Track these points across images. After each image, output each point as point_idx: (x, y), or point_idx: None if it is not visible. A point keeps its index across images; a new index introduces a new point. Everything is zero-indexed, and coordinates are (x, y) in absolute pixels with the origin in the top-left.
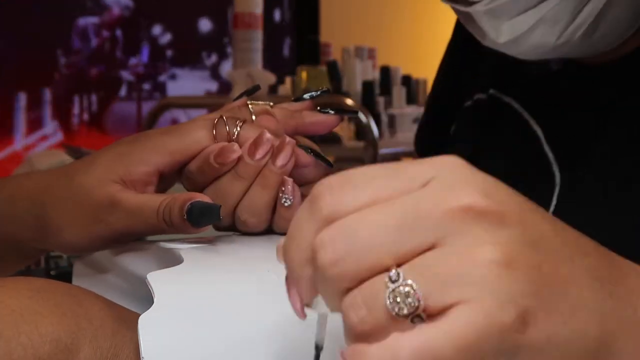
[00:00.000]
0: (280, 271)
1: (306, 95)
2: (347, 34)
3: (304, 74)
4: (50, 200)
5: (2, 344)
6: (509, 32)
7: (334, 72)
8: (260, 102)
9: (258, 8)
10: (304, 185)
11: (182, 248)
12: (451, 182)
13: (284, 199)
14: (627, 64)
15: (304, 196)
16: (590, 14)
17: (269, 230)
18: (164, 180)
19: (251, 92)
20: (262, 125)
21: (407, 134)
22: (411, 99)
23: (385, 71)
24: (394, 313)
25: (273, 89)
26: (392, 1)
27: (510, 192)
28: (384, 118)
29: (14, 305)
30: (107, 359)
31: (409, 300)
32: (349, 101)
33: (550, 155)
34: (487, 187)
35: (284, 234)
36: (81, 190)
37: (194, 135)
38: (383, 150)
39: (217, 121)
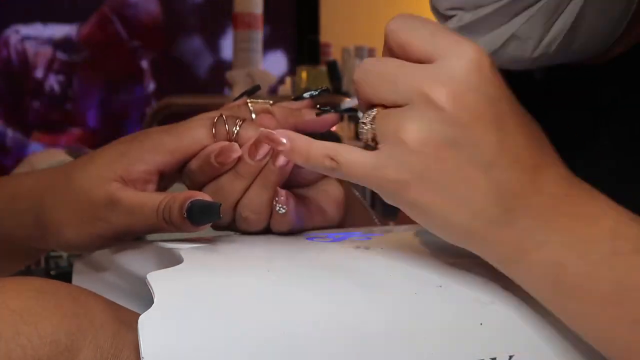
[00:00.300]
0: (279, 271)
1: (306, 94)
2: (347, 34)
3: (304, 74)
4: (50, 199)
5: (1, 345)
6: (484, 47)
7: (334, 72)
8: (259, 101)
9: (258, 8)
10: (304, 185)
11: (182, 248)
12: (444, 71)
13: (277, 207)
14: (624, 62)
15: (300, 201)
16: (563, 28)
17: (269, 230)
18: (164, 179)
19: (251, 92)
20: (262, 124)
21: None
22: None
23: None
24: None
25: (273, 89)
26: (392, 1)
27: (483, 105)
28: None
29: (13, 306)
30: None
31: (363, 132)
32: (349, 101)
33: None
34: (462, 90)
35: (282, 234)
36: (80, 189)
37: (193, 134)
38: None
39: (216, 120)
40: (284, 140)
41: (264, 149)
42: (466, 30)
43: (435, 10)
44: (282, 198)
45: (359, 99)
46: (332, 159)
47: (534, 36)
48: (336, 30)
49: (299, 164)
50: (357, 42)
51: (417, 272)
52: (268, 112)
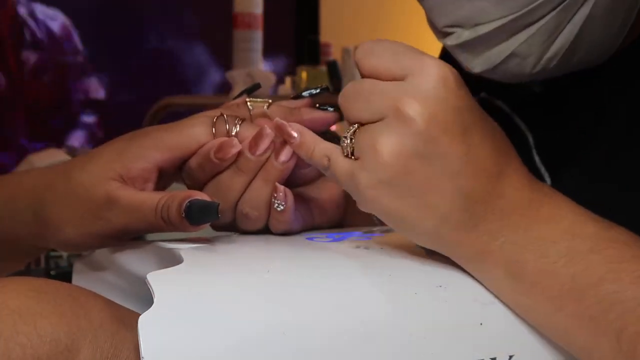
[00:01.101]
0: (279, 271)
1: (305, 93)
2: (347, 34)
3: (304, 74)
4: (50, 197)
5: (1, 344)
6: (483, 65)
7: (334, 72)
8: (259, 99)
9: (258, 8)
10: (304, 184)
11: (182, 248)
12: (412, 86)
13: (276, 204)
14: (620, 62)
15: (299, 200)
16: (563, 46)
17: (268, 230)
18: (164, 177)
19: (251, 91)
20: (261, 125)
21: None
22: None
23: None
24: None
25: (273, 89)
26: (392, 1)
27: (451, 118)
28: None
29: (13, 306)
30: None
31: (344, 146)
32: None
33: (537, 159)
34: (430, 103)
35: (280, 234)
36: (79, 188)
37: (193, 132)
38: None
39: (217, 119)
40: (295, 134)
41: (264, 143)
42: (464, 48)
43: (433, 26)
44: (280, 194)
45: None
46: (328, 158)
47: (533, 54)
48: (336, 30)
49: (303, 157)
50: (357, 42)
51: (417, 272)
52: (265, 115)
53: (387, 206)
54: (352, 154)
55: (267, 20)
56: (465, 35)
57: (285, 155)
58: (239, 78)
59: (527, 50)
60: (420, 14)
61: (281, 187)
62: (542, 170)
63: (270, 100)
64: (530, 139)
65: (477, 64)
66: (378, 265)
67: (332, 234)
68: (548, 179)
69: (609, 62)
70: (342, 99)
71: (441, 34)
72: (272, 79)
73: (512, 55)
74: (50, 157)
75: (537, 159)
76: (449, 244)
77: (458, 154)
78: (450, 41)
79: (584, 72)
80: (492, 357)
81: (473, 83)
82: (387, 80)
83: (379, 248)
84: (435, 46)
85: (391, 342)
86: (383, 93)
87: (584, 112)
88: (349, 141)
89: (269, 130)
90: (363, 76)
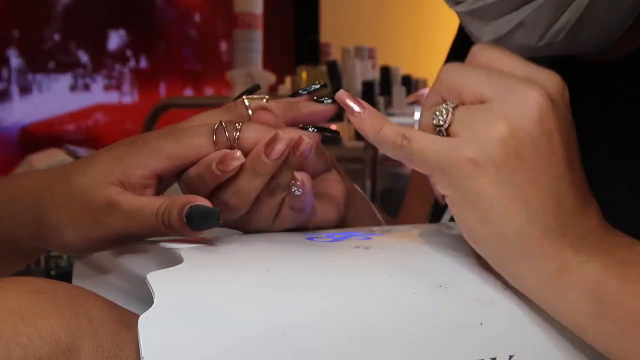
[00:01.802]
0: (279, 271)
1: (302, 91)
2: (347, 34)
3: (304, 74)
4: (49, 200)
5: (1, 345)
6: (491, 34)
7: (334, 72)
8: (255, 97)
9: (258, 8)
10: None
11: (182, 248)
12: (540, 79)
13: (294, 189)
14: (629, 61)
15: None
16: (570, 19)
17: (269, 230)
18: (163, 183)
19: (251, 92)
20: (261, 120)
21: None
22: None
23: (385, 71)
24: (433, 121)
25: (273, 89)
26: (392, 1)
27: (562, 122)
28: None
29: (13, 306)
30: None
31: (441, 118)
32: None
33: None
34: (553, 100)
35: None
36: (79, 192)
37: (194, 141)
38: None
39: (217, 127)
40: (357, 108)
41: (280, 146)
42: (475, 14)
43: None
44: (298, 182)
45: (432, 92)
46: (404, 136)
47: (541, 25)
48: (336, 30)
49: (368, 136)
50: (357, 42)
51: (417, 272)
52: (265, 108)
53: (483, 189)
54: (448, 128)
55: (267, 20)
56: (476, 2)
57: (275, 154)
58: (239, 78)
59: (536, 21)
60: (419, 14)
61: (301, 174)
62: None
63: (267, 96)
64: None
65: (485, 32)
66: (378, 265)
67: (332, 234)
68: None
69: (618, 60)
70: (448, 73)
71: (453, 2)
72: (272, 78)
73: (520, 24)
74: (50, 158)
75: None
76: (530, 252)
77: (564, 159)
78: (461, 8)
79: (592, 68)
80: (492, 357)
81: None
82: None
83: (379, 248)
84: (433, 50)
85: (391, 342)
86: (506, 75)
87: (592, 109)
88: (449, 113)
89: (282, 135)
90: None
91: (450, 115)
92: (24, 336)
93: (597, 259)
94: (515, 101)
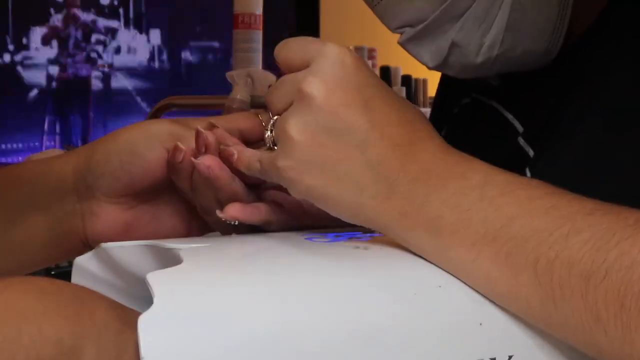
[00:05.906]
0: (279, 271)
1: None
2: (347, 34)
3: None
4: (99, 148)
5: (5, 346)
6: (434, 59)
7: None
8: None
9: (258, 8)
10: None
11: (182, 248)
12: (313, 68)
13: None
14: (580, 48)
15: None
16: (498, 32)
17: (268, 230)
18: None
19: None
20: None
21: None
22: (411, 99)
23: (385, 71)
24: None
25: None
26: None
27: (350, 92)
28: None
29: (17, 307)
30: None
31: (268, 140)
32: None
33: (528, 148)
34: (329, 80)
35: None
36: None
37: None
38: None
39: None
40: (234, 152)
41: (179, 154)
42: (413, 42)
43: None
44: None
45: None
46: (259, 162)
47: (472, 42)
48: (336, 30)
49: (245, 171)
50: (357, 42)
51: (417, 272)
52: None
53: (311, 185)
54: (274, 145)
55: (267, 20)
56: (412, 32)
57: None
58: (239, 78)
59: (466, 39)
60: None
61: (226, 209)
62: (527, 148)
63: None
64: (518, 126)
65: (429, 59)
66: (377, 265)
67: (331, 234)
68: (532, 154)
69: (570, 49)
70: (266, 96)
71: (399, 34)
72: (272, 79)
73: (453, 45)
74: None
75: (521, 142)
76: (371, 214)
77: (361, 126)
78: (403, 38)
79: (555, 60)
80: (491, 357)
81: (466, 86)
82: (296, 72)
83: (378, 248)
84: None
85: (391, 342)
86: (291, 80)
87: (567, 103)
88: (269, 133)
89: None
90: (281, 71)
91: (271, 133)
92: (28, 336)
93: (432, 198)
94: (299, 100)
